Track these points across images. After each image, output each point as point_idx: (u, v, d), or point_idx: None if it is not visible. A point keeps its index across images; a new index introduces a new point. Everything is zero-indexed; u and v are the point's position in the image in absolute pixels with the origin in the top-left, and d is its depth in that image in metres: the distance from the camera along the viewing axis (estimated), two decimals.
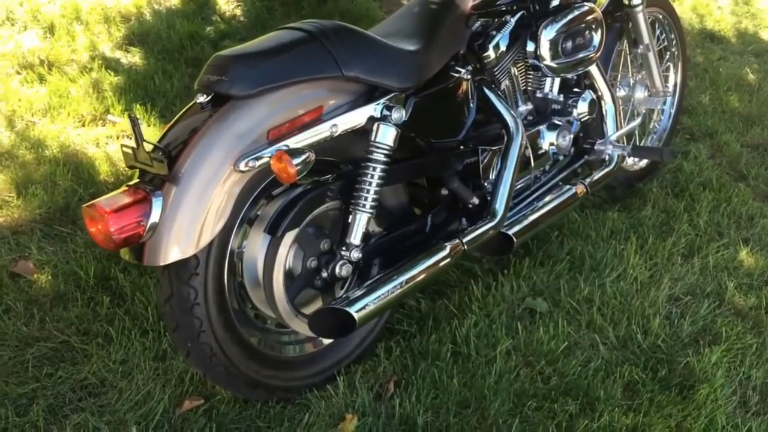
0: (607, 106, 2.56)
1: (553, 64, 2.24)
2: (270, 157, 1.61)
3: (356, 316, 1.68)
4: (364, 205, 1.80)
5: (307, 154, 1.60)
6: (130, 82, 3.41)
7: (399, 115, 1.81)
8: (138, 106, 3.20)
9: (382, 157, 1.80)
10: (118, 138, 3.02)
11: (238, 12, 4.31)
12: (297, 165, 1.58)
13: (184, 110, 1.72)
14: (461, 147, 2.12)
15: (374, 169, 1.80)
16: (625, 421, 1.88)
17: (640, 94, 2.87)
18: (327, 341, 1.95)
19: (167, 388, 1.90)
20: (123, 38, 3.91)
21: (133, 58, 3.76)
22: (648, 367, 2.07)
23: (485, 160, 2.16)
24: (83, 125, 3.13)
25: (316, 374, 1.93)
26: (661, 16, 2.99)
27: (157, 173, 1.58)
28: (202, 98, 1.67)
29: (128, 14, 4.16)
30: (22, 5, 4.09)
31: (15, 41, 3.76)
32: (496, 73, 2.17)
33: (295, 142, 1.68)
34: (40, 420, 1.80)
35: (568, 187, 2.35)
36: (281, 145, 1.65)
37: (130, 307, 2.15)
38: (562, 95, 2.39)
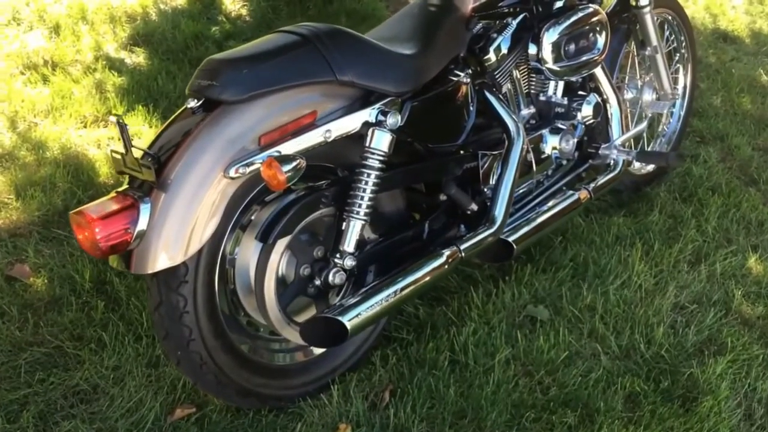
0: (613, 109, 2.51)
1: (555, 68, 2.19)
2: (261, 163, 1.58)
3: (348, 325, 1.65)
4: (358, 212, 1.77)
5: (297, 161, 1.57)
6: (134, 82, 3.40)
7: (394, 120, 1.78)
8: (140, 107, 3.18)
9: (376, 163, 1.77)
10: (119, 140, 2.99)
11: (243, 12, 4.29)
12: (287, 172, 1.55)
13: (175, 115, 1.69)
14: (461, 152, 2.08)
15: (369, 175, 1.76)
16: None
17: (648, 96, 2.81)
18: (319, 349, 1.92)
19: (159, 395, 1.88)
20: (128, 38, 3.90)
21: (138, 58, 3.75)
22: (650, 378, 2.02)
23: (485, 165, 2.12)
24: (85, 126, 3.12)
25: (309, 383, 1.90)
26: (670, 17, 2.93)
27: (146, 180, 1.56)
28: (192, 103, 1.64)
29: (134, 14, 4.15)
30: (29, 5, 4.09)
31: (20, 41, 3.76)
32: (497, 76, 2.13)
33: (287, 147, 1.65)
34: (31, 427, 1.79)
35: (571, 192, 2.31)
36: (273, 151, 1.62)
37: (125, 312, 2.13)
38: (566, 98, 2.34)
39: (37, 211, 2.54)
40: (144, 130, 3.03)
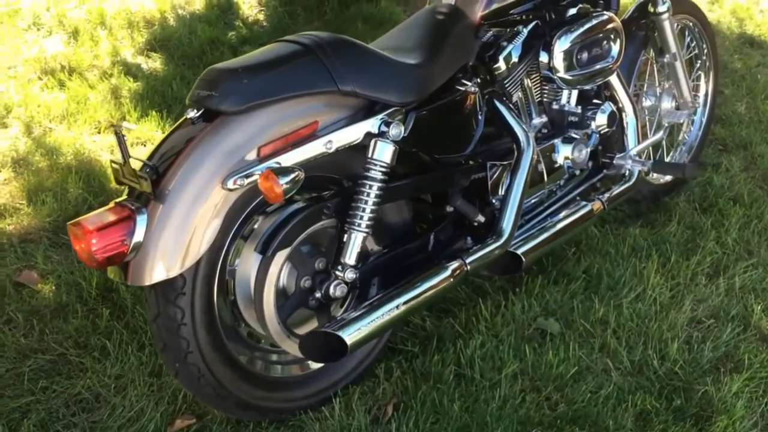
0: (628, 118, 2.45)
1: (567, 76, 2.14)
2: (259, 174, 1.56)
3: (348, 340, 1.62)
4: (359, 225, 1.74)
5: (296, 173, 1.55)
6: (149, 88, 3.42)
7: (397, 131, 1.75)
8: (154, 112, 3.20)
9: (379, 175, 1.74)
10: (132, 145, 3.02)
11: (260, 17, 4.30)
12: (284, 184, 1.52)
13: (174, 126, 1.68)
14: (469, 162, 2.04)
15: (371, 187, 1.73)
16: None
17: (667, 104, 2.75)
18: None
19: (160, 405, 1.87)
20: (145, 43, 3.92)
21: (154, 63, 3.77)
22: (663, 395, 1.96)
23: (494, 176, 2.08)
24: (99, 132, 3.14)
25: (310, 396, 1.87)
26: (691, 24, 2.86)
27: (143, 191, 1.54)
28: (192, 113, 1.62)
29: (152, 19, 4.17)
30: (49, 10, 4.14)
31: (39, 46, 3.80)
32: (507, 85, 2.09)
33: (287, 159, 1.62)
34: None
35: (584, 203, 2.26)
36: (272, 162, 1.60)
37: (129, 320, 2.13)
38: (579, 107, 2.29)
39: (47, 216, 2.55)
40: (157, 136, 3.04)
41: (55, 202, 2.61)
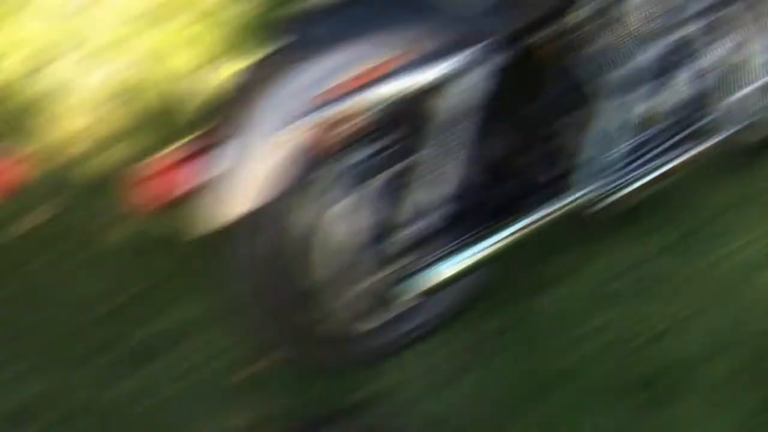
0: (744, 56, 2.22)
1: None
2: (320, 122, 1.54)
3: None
4: (424, 176, 1.71)
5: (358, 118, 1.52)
6: None
7: (485, 69, 1.67)
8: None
9: (461, 116, 1.68)
10: None
11: None
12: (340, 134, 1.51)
13: (247, 66, 1.67)
14: (553, 108, 1.92)
15: (455, 127, 1.69)
16: None
17: None
18: None
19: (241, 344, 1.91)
20: None
21: None
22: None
23: (577, 126, 1.95)
24: None
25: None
26: None
27: (213, 131, 1.56)
28: (266, 55, 1.61)
29: None
30: None
31: None
32: (601, 26, 1.93)
33: (364, 99, 1.58)
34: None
35: (683, 150, 2.10)
36: (343, 104, 1.56)
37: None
38: (683, 48, 2.09)
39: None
40: None
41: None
